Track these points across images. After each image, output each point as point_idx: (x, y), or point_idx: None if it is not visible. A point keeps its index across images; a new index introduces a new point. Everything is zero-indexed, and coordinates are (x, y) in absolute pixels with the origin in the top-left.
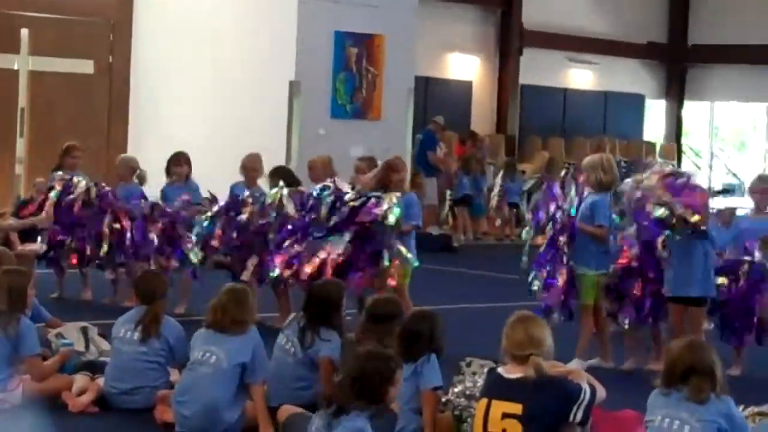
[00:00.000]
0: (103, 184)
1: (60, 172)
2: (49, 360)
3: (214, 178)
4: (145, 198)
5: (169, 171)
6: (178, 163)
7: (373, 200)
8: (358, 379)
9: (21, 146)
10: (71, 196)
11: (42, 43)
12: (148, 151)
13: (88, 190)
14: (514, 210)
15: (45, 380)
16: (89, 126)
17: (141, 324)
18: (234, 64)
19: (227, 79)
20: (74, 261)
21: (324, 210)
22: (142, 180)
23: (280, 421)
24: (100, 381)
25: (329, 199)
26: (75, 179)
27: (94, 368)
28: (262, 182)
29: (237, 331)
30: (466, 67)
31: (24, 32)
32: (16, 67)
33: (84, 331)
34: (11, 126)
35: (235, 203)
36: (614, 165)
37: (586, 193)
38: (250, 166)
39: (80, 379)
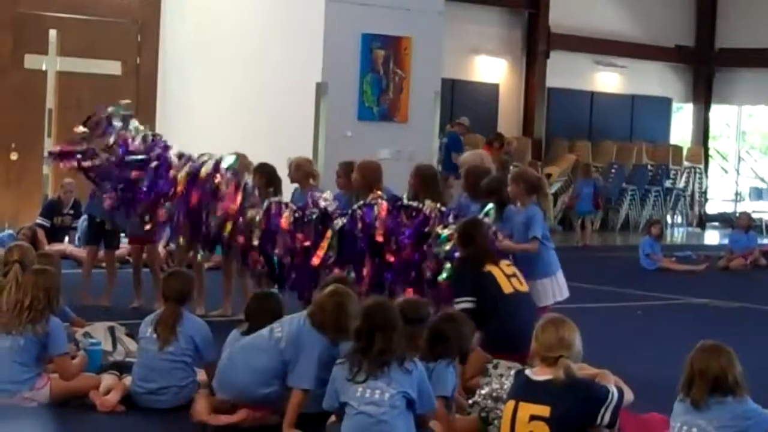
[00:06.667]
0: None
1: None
2: (75, 360)
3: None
4: None
5: None
6: None
7: (359, 213)
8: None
9: (49, 147)
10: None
11: (70, 45)
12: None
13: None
14: None
15: (73, 379)
16: None
17: (156, 326)
18: (261, 66)
19: (254, 80)
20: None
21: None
22: None
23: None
24: (127, 380)
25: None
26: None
27: (122, 368)
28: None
29: None
30: (493, 69)
31: (52, 33)
32: (44, 68)
33: (111, 330)
34: (39, 126)
35: None
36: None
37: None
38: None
39: (108, 379)
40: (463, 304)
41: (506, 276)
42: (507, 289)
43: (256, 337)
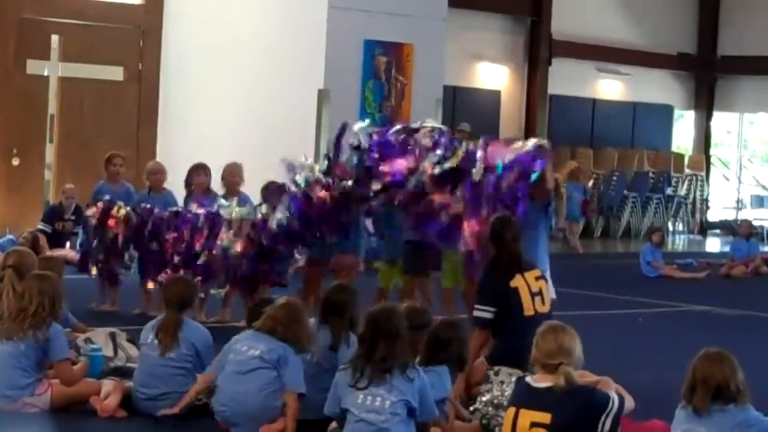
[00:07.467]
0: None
1: (100, 202)
2: (77, 365)
3: (243, 186)
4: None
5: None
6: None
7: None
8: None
9: (50, 152)
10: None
11: (72, 50)
12: (177, 157)
13: (127, 215)
14: None
15: (74, 385)
16: (118, 132)
17: (158, 332)
18: (263, 72)
19: (256, 86)
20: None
21: None
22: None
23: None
24: (126, 383)
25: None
26: (115, 207)
27: (122, 374)
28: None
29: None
30: (495, 76)
31: (54, 39)
32: (46, 74)
33: (112, 336)
34: (41, 132)
35: None
36: None
37: None
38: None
39: (108, 384)
40: (482, 312)
41: (531, 294)
42: (528, 311)
43: (237, 365)
